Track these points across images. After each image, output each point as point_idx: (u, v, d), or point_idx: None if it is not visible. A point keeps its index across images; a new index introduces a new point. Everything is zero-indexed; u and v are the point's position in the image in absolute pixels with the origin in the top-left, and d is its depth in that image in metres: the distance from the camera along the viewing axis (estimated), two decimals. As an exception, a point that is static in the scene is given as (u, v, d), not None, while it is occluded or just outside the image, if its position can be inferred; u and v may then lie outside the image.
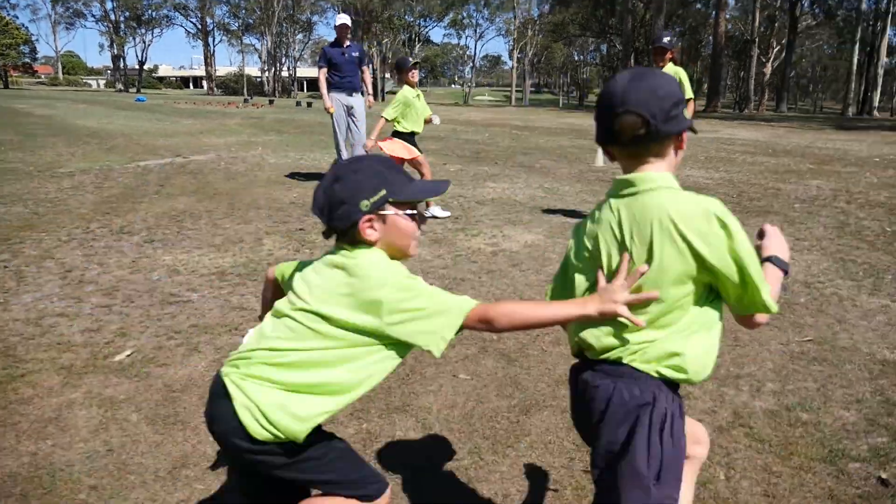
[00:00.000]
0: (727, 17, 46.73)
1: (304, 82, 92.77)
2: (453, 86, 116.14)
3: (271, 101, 33.24)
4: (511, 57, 72.23)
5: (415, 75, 6.07)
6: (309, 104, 33.41)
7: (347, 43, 7.57)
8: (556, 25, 52.10)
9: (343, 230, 1.44)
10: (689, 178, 8.85)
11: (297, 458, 1.42)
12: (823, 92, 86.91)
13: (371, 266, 1.40)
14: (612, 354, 1.33)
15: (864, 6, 38.45)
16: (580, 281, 1.42)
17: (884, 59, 39.35)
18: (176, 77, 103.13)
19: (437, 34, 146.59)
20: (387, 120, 6.07)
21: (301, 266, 1.56)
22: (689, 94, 5.55)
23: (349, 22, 7.55)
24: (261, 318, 1.63)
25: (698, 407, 2.63)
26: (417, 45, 75.92)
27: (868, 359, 3.08)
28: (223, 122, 19.13)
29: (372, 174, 1.44)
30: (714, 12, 34.67)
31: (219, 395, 1.41)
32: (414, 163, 6.07)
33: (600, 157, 9.97)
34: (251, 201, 6.86)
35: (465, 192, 7.55)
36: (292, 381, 1.38)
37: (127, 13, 67.00)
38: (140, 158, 10.14)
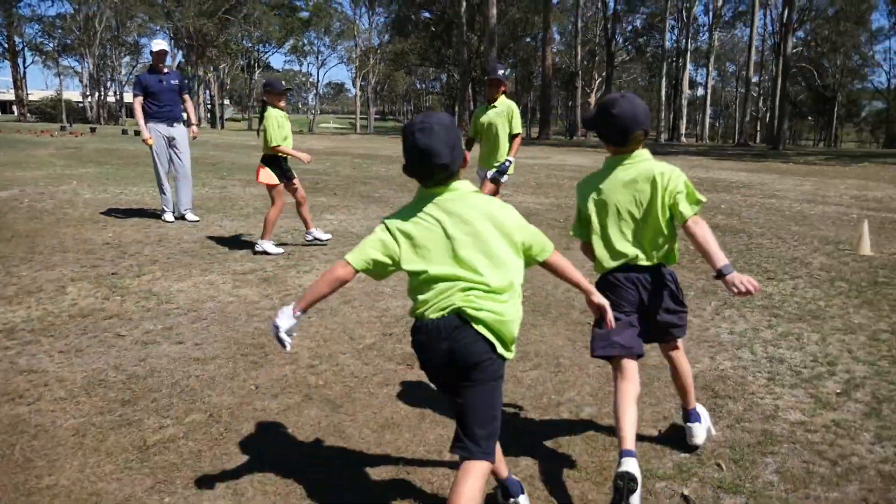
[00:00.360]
0: (554, 50, 50.37)
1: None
2: (298, 113, 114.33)
3: (93, 129, 30.54)
4: (354, 85, 72.52)
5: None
6: (136, 132, 31.13)
7: (166, 70, 7.11)
8: (397, 55, 53.16)
9: (456, 170, 1.90)
10: (520, 204, 9.25)
11: (497, 374, 1.90)
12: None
13: (476, 195, 1.96)
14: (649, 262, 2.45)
15: (667, 44, 43.14)
16: (593, 219, 2.52)
17: (686, 91, 44.30)
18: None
19: (277, 60, 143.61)
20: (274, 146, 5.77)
21: (409, 236, 1.95)
22: (517, 129, 5.77)
23: (167, 47, 7.10)
24: (303, 309, 2.02)
25: (522, 442, 2.66)
26: (257, 72, 73.94)
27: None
28: (32, 152, 17.24)
29: (454, 127, 1.94)
30: (541, 46, 37.18)
31: (456, 328, 1.84)
32: (289, 189, 6.01)
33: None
34: (57, 243, 6.15)
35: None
36: (507, 311, 1.88)
37: (-88, 29, 58.93)
38: (-79, 196, 8.80)
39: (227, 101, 79.24)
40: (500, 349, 1.86)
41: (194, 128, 7.40)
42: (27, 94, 65.34)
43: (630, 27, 52.00)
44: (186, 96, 7.30)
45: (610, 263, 2.48)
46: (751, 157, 22.58)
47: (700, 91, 68.92)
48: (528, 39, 51.04)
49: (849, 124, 77.14)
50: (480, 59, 40.51)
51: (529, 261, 1.99)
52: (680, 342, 2.65)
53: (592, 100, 53.47)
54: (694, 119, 71.07)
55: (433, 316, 1.88)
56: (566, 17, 53.52)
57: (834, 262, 5.86)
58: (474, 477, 1.82)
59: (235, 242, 6.34)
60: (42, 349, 3.58)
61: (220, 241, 6.43)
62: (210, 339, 3.76)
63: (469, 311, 1.83)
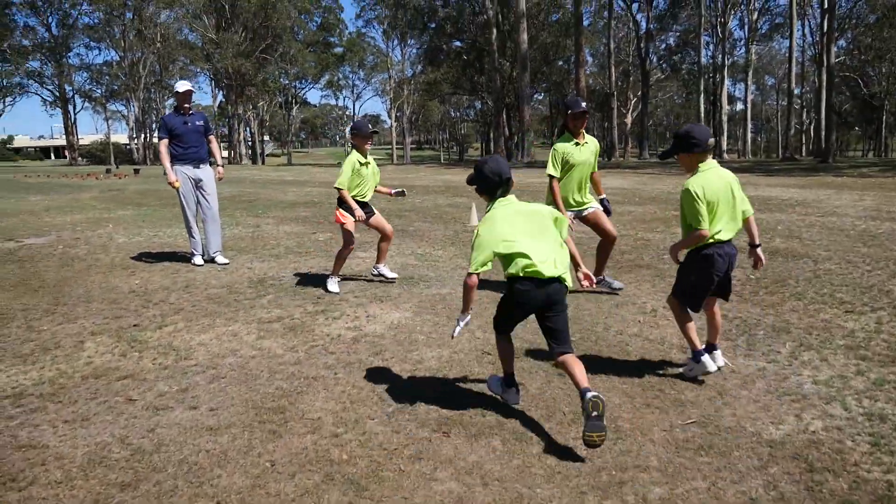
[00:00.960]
0: (587, 72, 49.98)
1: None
2: (335, 146, 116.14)
3: (137, 171, 31.28)
4: (390, 116, 73.27)
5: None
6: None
7: (191, 111, 6.95)
8: (430, 85, 53.47)
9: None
10: (562, 232, 8.81)
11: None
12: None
13: (521, 202, 3.15)
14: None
15: (703, 60, 42.32)
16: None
17: (725, 106, 43.29)
18: (35, 148, 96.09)
19: (314, 96, 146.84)
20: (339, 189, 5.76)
21: (505, 230, 3.03)
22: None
23: (193, 88, 6.95)
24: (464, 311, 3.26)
25: (579, 533, 2.22)
26: (295, 108, 75.44)
27: (755, 440, 2.82)
28: (77, 196, 17.56)
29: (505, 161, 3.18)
30: (574, 69, 36.90)
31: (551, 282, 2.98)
32: (373, 225, 6.06)
33: (475, 217, 9.81)
34: (83, 293, 5.96)
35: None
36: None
37: (-29, 82, 61.91)
38: (-40, 246, 8.82)
39: (266, 138, 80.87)
40: (568, 285, 3.05)
41: (220, 168, 7.21)
42: (78, 139, 67.88)
43: (664, 45, 51.35)
44: (212, 137, 7.13)
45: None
46: (800, 172, 21.65)
47: (739, 106, 67.62)
48: (560, 63, 50.81)
49: (899, 133, 74.43)
50: (513, 84, 40.37)
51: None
52: None
53: (629, 120, 52.77)
54: (735, 134, 69.55)
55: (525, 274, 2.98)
56: (598, 38, 53.18)
57: (917, 289, 5.26)
58: (578, 363, 2.96)
59: (263, 286, 6.06)
60: (47, 418, 3.29)
61: (249, 284, 6.16)
62: (227, 402, 3.42)
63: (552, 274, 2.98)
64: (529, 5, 40.12)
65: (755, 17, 46.29)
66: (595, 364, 3.79)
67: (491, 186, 3.08)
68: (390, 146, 76.31)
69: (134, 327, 4.86)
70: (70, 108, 64.46)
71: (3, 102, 64.36)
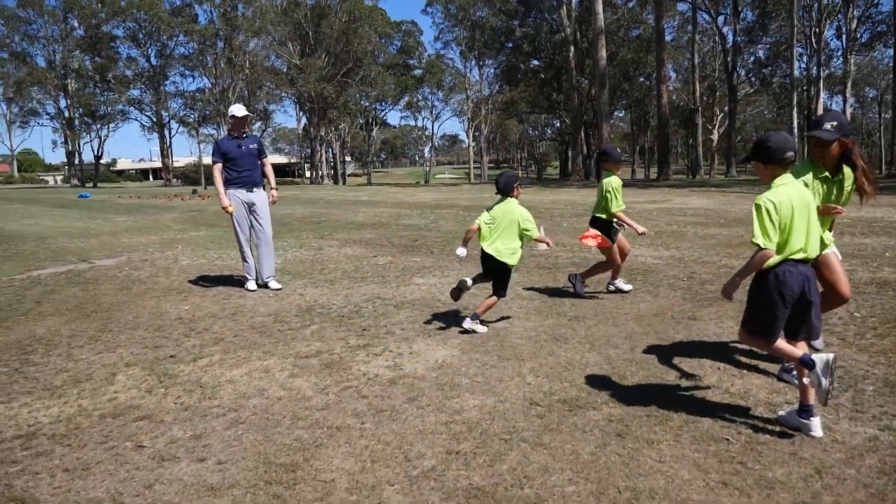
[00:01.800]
0: (670, 88, 48.33)
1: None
2: (414, 165, 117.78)
3: (195, 191, 32.54)
4: (467, 135, 73.48)
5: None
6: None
7: (245, 135, 6.83)
8: (507, 104, 53.19)
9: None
10: (637, 258, 8.15)
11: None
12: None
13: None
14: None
15: (796, 73, 40.01)
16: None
17: (822, 121, 40.62)
18: (135, 170, 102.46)
19: (394, 117, 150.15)
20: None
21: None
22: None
23: (247, 112, 6.83)
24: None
25: None
26: (375, 129, 77.00)
27: (867, 545, 2.20)
28: (159, 217, 18.20)
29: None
30: (656, 85, 35.64)
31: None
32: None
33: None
34: (131, 319, 5.86)
35: (386, 291, 6.68)
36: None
37: (81, 109, 66.68)
38: (37, 266, 9.09)
39: (348, 158, 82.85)
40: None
41: (274, 192, 7.04)
42: (172, 162, 71.77)
43: (752, 58, 48.96)
44: (266, 160, 6.98)
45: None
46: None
47: (837, 120, 63.39)
48: (641, 79, 49.38)
49: None
50: (591, 102, 39.47)
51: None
52: None
53: (715, 136, 50.54)
54: (832, 150, 65.32)
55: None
56: (681, 53, 51.44)
57: None
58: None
59: (310, 315, 5.77)
60: (49, 465, 3.05)
61: (297, 312, 5.89)
62: (238, 454, 3.08)
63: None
64: (608, 22, 39.24)
65: (854, 25, 43.46)
66: (661, 424, 3.21)
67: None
68: (467, 165, 76.46)
69: (170, 358, 4.65)
70: (166, 132, 68.33)
71: (108, 128, 69.02)
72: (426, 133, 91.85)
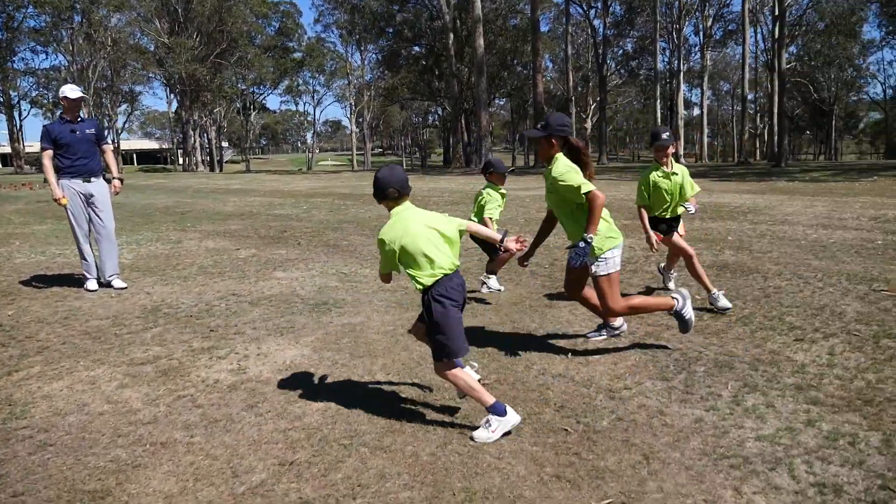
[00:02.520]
0: (546, 78, 49.95)
1: (134, 155, 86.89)
2: (297, 152, 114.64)
3: None
4: (351, 121, 72.32)
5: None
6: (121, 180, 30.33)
7: (80, 118, 6.19)
8: (389, 90, 52.81)
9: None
10: (503, 246, 8.23)
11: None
12: (639, 142, 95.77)
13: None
14: None
15: (660, 66, 42.57)
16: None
17: (681, 111, 43.59)
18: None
19: (273, 101, 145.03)
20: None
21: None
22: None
23: (82, 94, 6.18)
24: None
25: None
26: (253, 114, 73.97)
27: (682, 530, 2.25)
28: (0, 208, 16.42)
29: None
30: (532, 75, 36.62)
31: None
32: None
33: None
34: (-59, 328, 5.15)
35: (243, 287, 6.32)
36: None
37: None
38: None
39: (225, 144, 79.04)
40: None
41: (116, 182, 6.45)
42: (24, 146, 65.26)
43: (621, 51, 51.60)
44: (106, 146, 6.38)
45: None
46: (754, 177, 21.66)
47: (696, 111, 68.55)
48: (519, 68, 50.66)
49: (847, 136, 76.50)
50: (471, 89, 39.98)
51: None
52: None
53: (588, 125, 52.86)
54: (692, 139, 70.49)
55: None
56: (556, 44, 53.25)
57: (872, 310, 4.81)
58: None
59: (155, 316, 5.33)
60: None
61: (140, 314, 5.42)
62: (40, 483, 2.72)
63: None
64: (486, 10, 39.83)
65: (709, 23, 46.87)
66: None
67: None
68: (350, 152, 75.34)
69: (-21, 372, 4.11)
70: (15, 114, 62.05)
71: (-57, 108, 61.63)
72: (308, 118, 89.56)
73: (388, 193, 3.02)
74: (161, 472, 2.77)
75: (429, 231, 2.98)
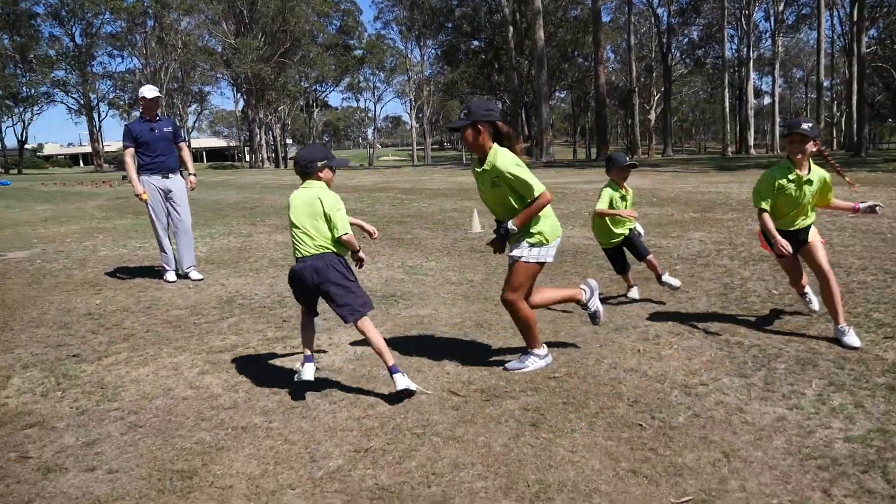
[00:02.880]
0: (608, 69, 48.98)
1: (204, 153, 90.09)
2: (358, 148, 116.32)
3: (124, 177, 31.19)
4: (410, 117, 72.92)
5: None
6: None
7: (158, 117, 6.46)
8: (448, 85, 52.92)
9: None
10: (569, 239, 8.16)
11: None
12: (705, 133, 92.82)
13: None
14: None
15: (727, 54, 41.11)
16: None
17: (752, 100, 42.01)
18: (64, 155, 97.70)
19: (335, 98, 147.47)
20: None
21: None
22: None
23: (158, 94, 6.45)
24: None
25: None
26: (316, 111, 75.46)
27: (769, 530, 2.18)
28: (82, 205, 17.34)
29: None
30: (594, 66, 35.99)
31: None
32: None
33: (477, 223, 9.20)
34: (36, 316, 5.49)
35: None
36: None
37: (1, 92, 62.91)
38: (-61, 262, 8.46)
39: (290, 141, 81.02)
40: None
41: (192, 178, 6.71)
42: (103, 146, 68.63)
43: (686, 39, 50.09)
44: (182, 144, 6.64)
45: None
46: (831, 167, 20.60)
47: (766, 100, 65.85)
48: (580, 60, 49.85)
49: (935, 124, 72.02)
50: (531, 83, 39.63)
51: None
52: None
53: (652, 116, 51.60)
54: (762, 129, 67.82)
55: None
56: (619, 34, 52.12)
57: (969, 307, 4.52)
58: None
59: (230, 306, 5.52)
60: (-82, 484, 2.77)
61: (216, 304, 5.63)
62: (132, 461, 2.87)
63: None
64: (546, 2, 39.34)
65: (781, 7, 44.90)
66: (577, 412, 3.16)
67: None
68: (410, 147, 75.96)
69: (73, 358, 4.36)
70: (95, 115, 65.21)
71: (32, 111, 65.43)
72: (369, 115, 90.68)
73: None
74: (243, 455, 2.88)
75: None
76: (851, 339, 3.86)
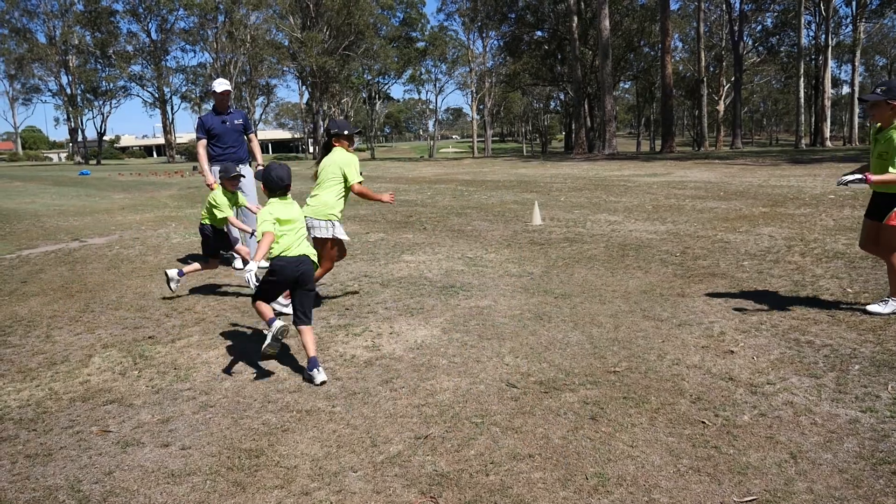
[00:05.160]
0: (676, 58, 47.59)
1: (269, 144, 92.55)
2: (419, 140, 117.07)
3: (195, 168, 32.30)
4: (471, 108, 72.78)
5: None
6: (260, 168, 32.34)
7: (230, 110, 6.69)
8: (510, 76, 52.51)
9: None
10: (631, 233, 8.02)
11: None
12: (777, 124, 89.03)
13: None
14: None
15: (804, 42, 39.29)
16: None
17: (829, 90, 40.05)
18: (139, 146, 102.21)
19: (397, 90, 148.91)
20: None
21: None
22: None
23: (228, 87, 6.67)
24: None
25: None
26: (378, 103, 76.34)
27: (837, 535, 2.11)
28: (156, 194, 18.11)
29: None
30: (661, 55, 35.00)
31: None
32: None
33: (537, 215, 9.14)
34: (115, 299, 5.80)
35: (374, 269, 6.59)
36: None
37: (82, 85, 66.25)
38: (29, 245, 9.03)
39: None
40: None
41: (261, 168, 6.90)
42: (175, 138, 71.45)
43: (759, 27, 48.09)
44: (252, 136, 6.85)
45: None
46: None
47: (845, 89, 62.60)
48: (646, 49, 48.59)
49: None
50: (595, 73, 38.92)
51: None
52: None
53: (721, 107, 49.87)
54: (840, 120, 64.57)
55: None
56: (687, 22, 50.51)
57: None
58: (311, 333, 3.76)
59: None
60: (11, 451, 2.99)
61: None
62: (204, 439, 3.01)
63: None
64: (613, -10, 38.49)
65: (865, -9, 42.49)
66: (637, 406, 3.13)
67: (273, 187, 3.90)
68: (471, 139, 75.89)
69: (148, 339, 4.59)
70: (168, 108, 67.88)
71: (110, 104, 68.64)
72: (430, 107, 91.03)
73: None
74: (307, 437, 2.98)
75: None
76: (876, 306, 4.35)
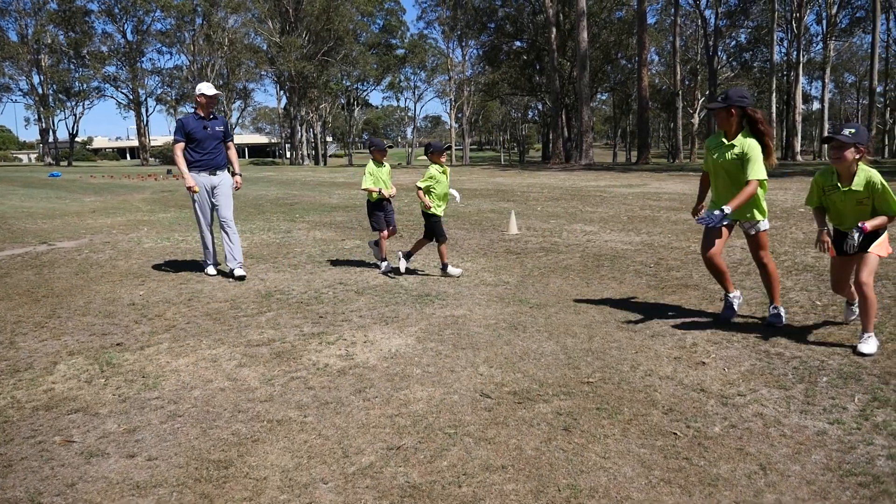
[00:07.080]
0: (652, 71, 48.29)
1: (246, 149, 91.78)
2: (397, 147, 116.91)
3: (169, 171, 31.91)
4: (450, 117, 73.00)
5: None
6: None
7: (213, 115, 6.59)
8: (489, 85, 52.83)
9: None
10: (606, 244, 8.08)
11: None
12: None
13: None
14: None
15: (776, 58, 40.15)
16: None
17: (800, 106, 40.93)
18: (112, 148, 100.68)
19: (376, 97, 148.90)
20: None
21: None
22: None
23: (217, 92, 6.58)
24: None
25: None
26: (357, 109, 76.15)
27: (804, 548, 2.13)
28: (128, 197, 17.82)
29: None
30: (637, 68, 35.50)
31: None
32: None
33: (514, 224, 9.17)
34: (83, 305, 5.68)
35: (349, 276, 6.55)
36: None
37: (55, 85, 65.08)
38: (-6, 249, 8.81)
39: (330, 139, 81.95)
40: None
41: (238, 178, 6.82)
42: (149, 140, 70.48)
43: (733, 42, 49.05)
44: (231, 143, 6.76)
45: None
46: (886, 175, 19.96)
47: (815, 105, 63.99)
48: (624, 62, 49.24)
49: None
50: (573, 84, 39.31)
51: None
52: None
53: (696, 120, 50.68)
54: (810, 135, 65.99)
55: None
56: (664, 36, 51.32)
57: None
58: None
59: (268, 301, 5.62)
60: (-29, 462, 2.90)
61: (255, 298, 5.74)
62: (171, 449, 2.95)
63: None
64: (591, 3, 39.00)
65: (834, 10, 43.65)
66: (610, 418, 3.13)
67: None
68: (450, 147, 76.08)
69: (116, 346, 4.49)
70: (143, 110, 66.94)
71: (83, 105, 67.51)
72: (409, 114, 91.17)
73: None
74: (278, 448, 2.93)
75: None
76: (865, 346, 3.85)
